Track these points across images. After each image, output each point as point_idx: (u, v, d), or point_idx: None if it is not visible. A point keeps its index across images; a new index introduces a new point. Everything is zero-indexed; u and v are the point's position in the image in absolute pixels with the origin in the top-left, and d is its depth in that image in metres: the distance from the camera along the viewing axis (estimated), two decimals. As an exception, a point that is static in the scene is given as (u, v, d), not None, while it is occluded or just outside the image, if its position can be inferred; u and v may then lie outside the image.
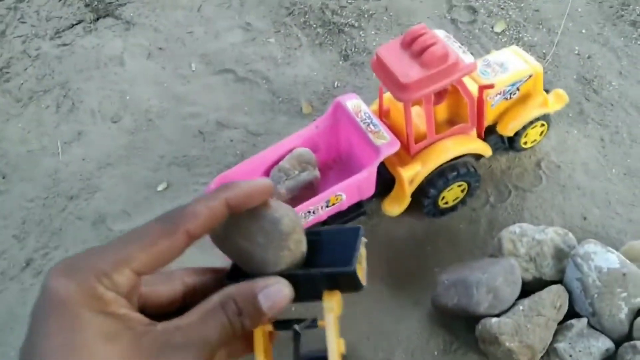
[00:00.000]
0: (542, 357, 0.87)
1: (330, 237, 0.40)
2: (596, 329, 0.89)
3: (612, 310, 0.87)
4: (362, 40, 1.56)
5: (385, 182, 1.05)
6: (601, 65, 1.35)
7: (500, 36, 1.48)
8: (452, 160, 1.03)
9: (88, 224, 1.29)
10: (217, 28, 1.71)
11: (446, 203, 1.09)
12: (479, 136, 1.08)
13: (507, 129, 1.09)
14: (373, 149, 0.96)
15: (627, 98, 1.27)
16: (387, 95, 1.08)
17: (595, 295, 0.87)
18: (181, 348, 0.31)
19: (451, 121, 1.07)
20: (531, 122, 1.11)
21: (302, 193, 1.00)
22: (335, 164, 1.07)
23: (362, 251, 0.38)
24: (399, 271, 1.06)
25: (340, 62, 1.53)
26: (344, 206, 1.01)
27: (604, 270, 0.88)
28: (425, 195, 1.05)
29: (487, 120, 1.09)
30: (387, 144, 0.96)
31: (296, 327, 0.38)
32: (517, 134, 1.12)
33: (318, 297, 0.37)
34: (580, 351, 0.85)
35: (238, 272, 0.38)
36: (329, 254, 0.38)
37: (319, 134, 1.06)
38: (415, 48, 0.92)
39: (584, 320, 0.88)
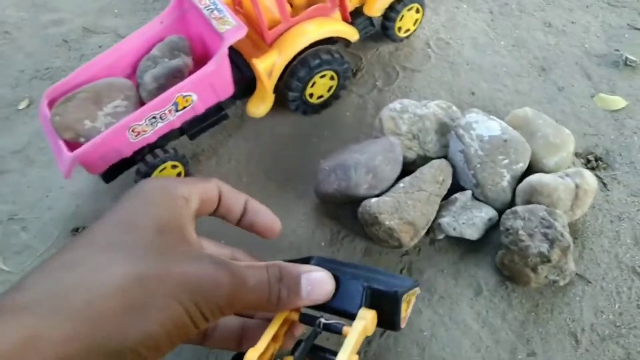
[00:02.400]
0: (426, 233, 0.84)
1: (389, 277, 0.41)
2: (481, 201, 0.86)
3: (495, 179, 0.84)
4: None
5: (250, 81, 0.95)
6: None
7: None
8: (314, 46, 0.93)
9: (-61, 152, 1.13)
10: None
11: (320, 97, 1.01)
12: (344, 19, 0.98)
13: (374, 9, 1.00)
14: (218, 37, 0.85)
15: (516, -32, 1.21)
16: None
17: (478, 166, 0.84)
18: (222, 266, 0.34)
19: (312, 4, 0.96)
20: (404, 3, 1.02)
21: (171, 82, 0.89)
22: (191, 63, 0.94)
23: (413, 297, 0.41)
24: (284, 166, 0.99)
25: (218, -48, 1.37)
26: (200, 109, 0.90)
27: (485, 139, 0.84)
28: (289, 89, 0.95)
29: (353, 2, 0.99)
30: (231, 30, 0.85)
31: (322, 320, 0.40)
32: (391, 19, 1.03)
33: (352, 314, 0.38)
34: (463, 223, 0.82)
35: None
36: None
37: (165, 29, 0.94)
38: None
39: (468, 193, 0.85)
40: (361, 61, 1.09)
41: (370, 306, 0.37)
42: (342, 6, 0.97)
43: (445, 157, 0.90)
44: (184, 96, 0.87)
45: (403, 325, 0.38)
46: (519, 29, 1.11)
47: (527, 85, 1.03)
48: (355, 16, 1.01)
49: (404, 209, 0.79)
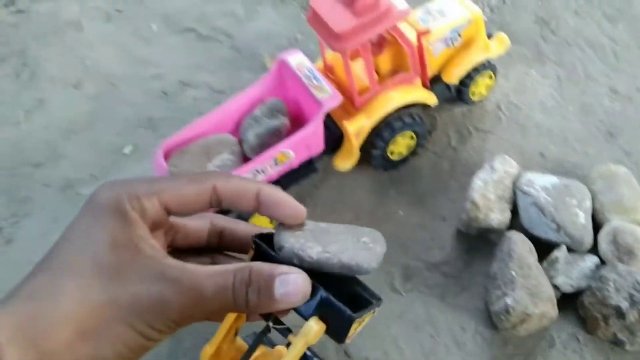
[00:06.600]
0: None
1: (355, 284, 0.40)
2: (566, 244, 0.92)
3: (572, 218, 0.92)
4: (323, -8, 1.55)
5: (336, 139, 1.07)
6: (558, 5, 1.36)
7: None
8: (397, 110, 1.04)
9: (56, 191, 1.28)
10: (176, -13, 1.67)
11: (399, 154, 1.11)
12: (424, 85, 1.09)
13: (452, 76, 1.10)
14: (316, 104, 0.97)
15: (582, 37, 1.29)
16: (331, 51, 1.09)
17: (553, 210, 0.91)
18: (170, 283, 0.32)
19: (395, 72, 1.08)
20: (478, 71, 1.12)
21: (270, 140, 1.01)
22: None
23: (367, 318, 0.38)
24: (365, 216, 1.08)
25: (302, 15, 1.52)
26: (294, 164, 1.02)
27: (549, 188, 0.93)
28: (373, 147, 1.06)
29: (432, 69, 1.09)
30: (329, 98, 0.97)
31: (270, 323, 0.38)
32: (465, 85, 1.13)
33: (303, 316, 0.37)
34: (577, 277, 0.88)
35: (269, 239, 0.38)
36: (343, 296, 0.37)
37: (266, 92, 1.06)
38: None
39: (563, 248, 0.91)
40: (436, 121, 1.19)
41: (323, 315, 0.36)
42: (423, 74, 1.07)
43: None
44: (283, 153, 0.99)
45: (348, 341, 0.38)
46: (585, 95, 1.19)
47: (595, 149, 1.10)
48: (433, 82, 1.11)
49: (538, 290, 0.84)
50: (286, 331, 0.38)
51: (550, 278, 0.88)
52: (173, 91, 1.44)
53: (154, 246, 0.33)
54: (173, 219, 0.37)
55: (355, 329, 0.37)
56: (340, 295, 0.36)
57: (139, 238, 0.32)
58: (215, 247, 0.40)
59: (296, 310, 0.36)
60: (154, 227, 0.34)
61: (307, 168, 1.06)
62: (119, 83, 1.48)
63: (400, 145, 1.09)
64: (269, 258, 0.36)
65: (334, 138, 1.07)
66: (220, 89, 1.42)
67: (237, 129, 1.08)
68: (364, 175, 1.13)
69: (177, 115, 1.39)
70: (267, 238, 0.38)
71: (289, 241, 0.36)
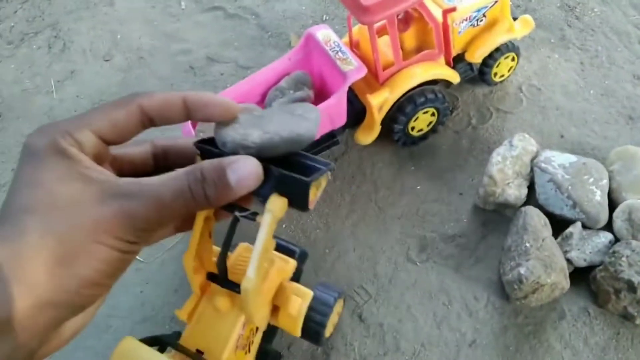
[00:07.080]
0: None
1: (304, 159, 0.40)
2: (581, 220, 0.94)
3: (588, 195, 0.93)
4: (350, -26, 1.57)
5: (358, 113, 1.09)
6: (584, -8, 1.37)
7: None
8: (420, 86, 1.06)
9: (85, 156, 1.33)
10: (205, -34, 1.71)
11: (420, 131, 1.13)
12: (447, 63, 1.10)
13: (475, 56, 1.12)
14: (341, 76, 0.99)
15: (607, 23, 1.30)
16: (357, 27, 1.10)
17: (569, 187, 0.93)
18: (129, 197, 0.32)
19: (420, 49, 1.10)
20: (501, 52, 1.14)
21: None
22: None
23: (323, 182, 0.39)
24: (384, 189, 1.11)
25: (328, -4, 1.54)
26: (316, 136, 1.04)
27: (567, 166, 0.95)
28: (395, 122, 1.08)
29: (456, 48, 1.11)
30: (354, 70, 0.99)
31: (237, 213, 0.39)
32: (488, 65, 1.14)
33: (264, 196, 0.38)
34: (590, 252, 0.91)
35: (210, 143, 0.38)
36: (294, 169, 0.38)
37: (292, 65, 1.09)
38: None
39: (578, 224, 0.93)
40: (457, 101, 1.20)
41: (281, 191, 0.37)
42: (447, 52, 1.09)
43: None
44: (307, 123, 1.01)
45: (311, 207, 0.39)
46: (608, 80, 1.20)
47: (615, 132, 1.11)
48: (456, 61, 1.13)
49: (552, 261, 0.86)
50: (253, 215, 0.40)
51: (564, 252, 0.90)
52: (200, 66, 1.48)
53: (103, 172, 0.34)
54: (114, 150, 0.37)
55: (315, 194, 0.38)
56: (293, 171, 0.37)
57: (86, 169, 0.33)
58: (164, 168, 0.40)
59: (256, 194, 0.37)
60: (98, 160, 0.35)
61: (328, 140, 1.09)
62: (147, 57, 1.52)
63: (422, 121, 1.11)
64: (216, 156, 0.36)
65: (356, 112, 1.10)
66: (246, 65, 1.45)
67: (263, 100, 1.11)
68: (384, 149, 1.15)
69: (204, 89, 1.43)
70: (210, 142, 0.39)
71: (229, 135, 0.37)
